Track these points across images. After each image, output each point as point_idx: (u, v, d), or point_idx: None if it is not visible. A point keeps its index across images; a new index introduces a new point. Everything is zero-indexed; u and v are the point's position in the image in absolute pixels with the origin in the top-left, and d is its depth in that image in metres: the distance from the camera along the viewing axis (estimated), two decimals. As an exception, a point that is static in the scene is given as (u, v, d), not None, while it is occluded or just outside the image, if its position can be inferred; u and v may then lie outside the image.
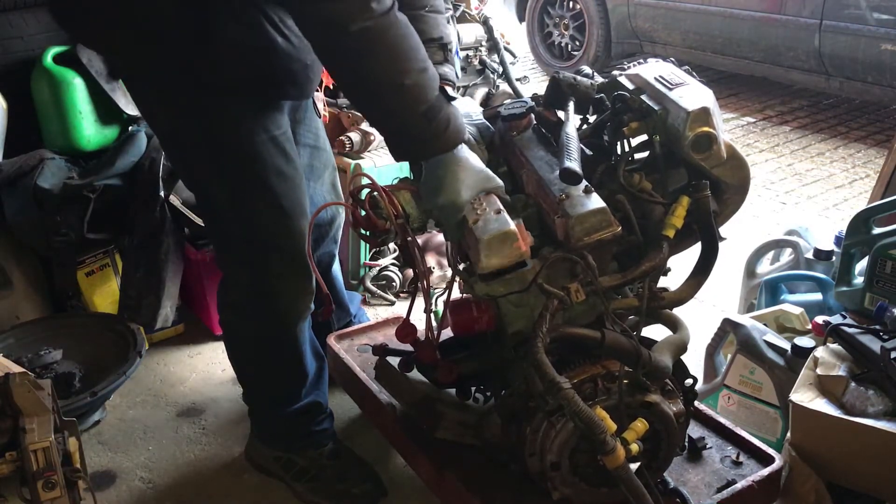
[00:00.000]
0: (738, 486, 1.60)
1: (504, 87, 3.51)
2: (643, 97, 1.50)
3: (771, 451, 1.68)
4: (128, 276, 2.45)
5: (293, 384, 1.92)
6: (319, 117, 2.03)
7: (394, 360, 1.81)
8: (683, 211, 1.46)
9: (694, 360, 2.04)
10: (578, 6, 5.66)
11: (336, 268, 2.22)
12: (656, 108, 1.47)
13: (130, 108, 2.51)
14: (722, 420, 1.78)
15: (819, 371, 1.73)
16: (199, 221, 2.41)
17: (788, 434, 1.74)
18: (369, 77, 1.43)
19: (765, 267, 2.49)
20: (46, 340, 2.25)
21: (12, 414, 1.41)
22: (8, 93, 2.38)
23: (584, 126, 1.62)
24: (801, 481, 1.67)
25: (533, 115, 1.65)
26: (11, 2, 2.46)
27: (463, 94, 3.39)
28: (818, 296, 2.21)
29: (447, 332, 1.66)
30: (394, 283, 2.87)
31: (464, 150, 1.51)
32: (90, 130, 2.48)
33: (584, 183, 1.41)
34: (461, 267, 1.58)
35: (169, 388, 2.41)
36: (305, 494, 1.94)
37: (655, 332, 1.60)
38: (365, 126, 2.69)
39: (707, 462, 1.69)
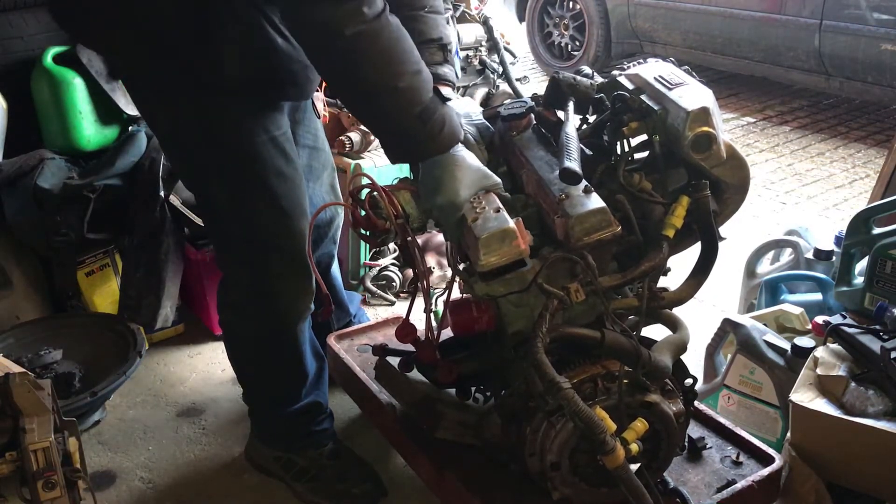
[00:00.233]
0: (738, 486, 1.60)
1: (504, 87, 3.51)
2: (643, 97, 1.50)
3: (771, 451, 1.68)
4: (128, 276, 2.45)
5: (293, 384, 1.92)
6: (319, 118, 2.03)
7: (394, 360, 1.81)
8: (683, 211, 1.46)
9: (694, 360, 2.04)
10: (578, 6, 5.66)
11: (335, 268, 2.22)
12: (656, 108, 1.47)
13: (130, 108, 2.51)
14: (722, 420, 1.78)
15: (819, 371, 1.73)
16: (199, 221, 2.41)
17: (788, 434, 1.74)
18: (363, 81, 1.43)
19: (765, 267, 2.49)
20: (46, 340, 2.25)
21: (12, 414, 1.41)
22: (8, 93, 2.38)
23: (584, 126, 1.62)
24: (801, 481, 1.67)
25: (533, 115, 1.65)
26: (11, 2, 2.46)
27: (463, 94, 3.39)
28: (818, 296, 2.21)
29: (447, 332, 1.66)
30: (394, 283, 2.87)
31: (461, 150, 1.51)
32: (90, 130, 2.48)
33: (584, 183, 1.41)
34: (461, 267, 1.58)
35: (169, 388, 2.41)
36: (305, 494, 1.94)
37: (655, 332, 1.60)
38: (364, 126, 2.69)
39: (707, 462, 1.69)
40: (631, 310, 1.53)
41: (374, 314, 2.73)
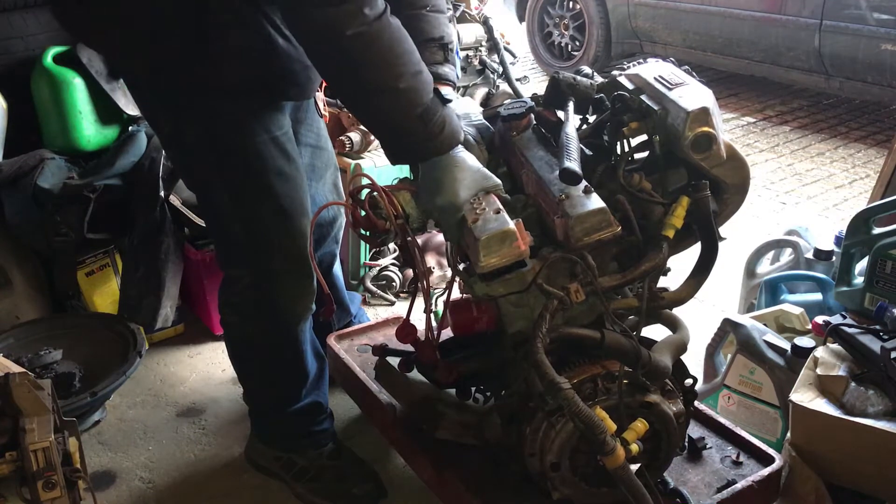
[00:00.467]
0: (738, 486, 1.60)
1: (504, 87, 3.50)
2: (643, 97, 1.50)
3: (771, 451, 1.68)
4: (128, 276, 2.45)
5: (293, 384, 1.91)
6: (321, 117, 2.03)
7: (394, 361, 1.81)
8: (683, 211, 1.46)
9: (694, 360, 2.04)
10: (578, 6, 5.66)
11: (337, 268, 2.22)
12: (656, 108, 1.47)
13: (130, 108, 2.51)
14: (722, 420, 1.78)
15: (819, 371, 1.73)
16: (199, 221, 2.42)
17: (788, 434, 1.74)
18: (364, 81, 1.43)
19: (765, 267, 2.49)
20: (46, 340, 2.25)
21: (12, 414, 1.41)
22: (8, 93, 2.38)
23: (584, 126, 1.62)
24: (801, 481, 1.67)
25: (533, 115, 1.65)
26: (11, 2, 2.46)
27: (463, 94, 3.39)
28: (818, 296, 2.21)
29: (447, 332, 1.66)
30: (394, 283, 2.87)
31: (461, 151, 1.51)
32: (90, 130, 2.48)
33: (584, 183, 1.41)
34: (461, 267, 1.58)
35: (169, 388, 2.41)
36: (305, 495, 1.94)
37: (655, 332, 1.60)
38: (364, 127, 2.69)
39: (707, 462, 1.69)
40: (631, 310, 1.53)
41: (374, 314, 2.73)
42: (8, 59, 2.47)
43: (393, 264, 2.88)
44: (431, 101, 1.45)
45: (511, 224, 1.39)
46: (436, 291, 1.79)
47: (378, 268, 2.86)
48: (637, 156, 1.54)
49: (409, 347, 1.73)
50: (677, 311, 1.61)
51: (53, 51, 2.44)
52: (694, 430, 1.75)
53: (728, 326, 2.05)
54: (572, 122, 1.53)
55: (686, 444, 1.67)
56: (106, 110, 2.51)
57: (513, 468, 1.57)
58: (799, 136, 4.62)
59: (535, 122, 1.66)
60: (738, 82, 5.46)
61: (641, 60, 1.63)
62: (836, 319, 1.80)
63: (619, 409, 1.42)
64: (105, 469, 2.08)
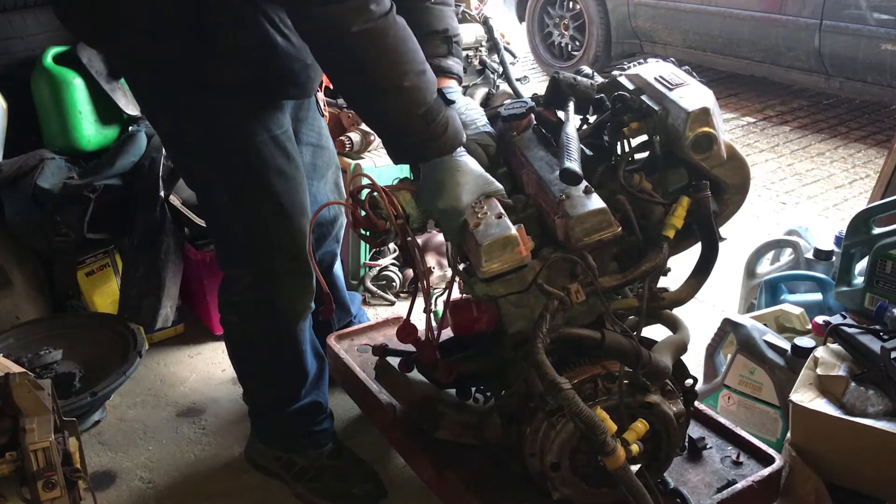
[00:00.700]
0: (738, 486, 1.60)
1: (504, 87, 3.50)
2: (643, 97, 1.50)
3: (771, 451, 1.68)
4: (128, 276, 2.45)
5: (293, 384, 1.91)
6: (322, 116, 2.03)
7: (394, 361, 1.81)
8: (683, 211, 1.46)
9: (694, 360, 2.04)
10: (578, 6, 5.65)
11: (337, 267, 2.22)
12: (656, 108, 1.47)
13: (130, 108, 2.52)
14: (722, 420, 1.78)
15: (819, 371, 1.73)
16: (199, 221, 2.41)
17: (788, 434, 1.74)
18: (368, 78, 1.43)
19: (765, 267, 2.49)
20: (46, 340, 2.25)
21: (12, 414, 1.41)
22: (8, 93, 2.38)
23: (584, 126, 1.62)
24: (801, 481, 1.67)
25: (533, 115, 1.65)
26: (11, 2, 2.46)
27: (463, 94, 3.38)
28: (818, 296, 2.21)
29: (447, 333, 1.66)
30: (394, 283, 2.87)
31: (462, 154, 1.51)
32: (90, 130, 2.48)
33: (584, 183, 1.41)
34: (461, 267, 1.58)
35: (169, 388, 2.41)
36: (305, 495, 1.94)
37: (655, 332, 1.60)
38: (365, 126, 2.69)
39: (707, 462, 1.69)
40: (631, 310, 1.53)
41: (374, 314, 2.73)
42: (8, 59, 2.47)
43: (393, 264, 2.88)
44: (435, 101, 1.45)
45: (513, 230, 1.39)
46: (436, 291, 1.79)
47: (378, 268, 2.86)
48: (637, 156, 1.54)
49: (409, 347, 1.73)
50: (677, 312, 1.61)
51: (53, 51, 2.44)
52: (694, 430, 1.75)
53: (728, 326, 2.05)
54: (572, 122, 1.53)
55: (686, 444, 1.67)
56: (106, 110, 2.51)
57: (513, 468, 1.57)
58: (799, 136, 4.62)
59: (535, 123, 1.66)
60: (738, 82, 5.46)
61: (641, 60, 1.63)
62: (836, 319, 1.80)
63: (620, 409, 1.42)
64: (105, 469, 2.08)
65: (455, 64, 1.68)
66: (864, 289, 2.03)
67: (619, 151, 1.52)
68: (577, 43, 5.76)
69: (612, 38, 5.52)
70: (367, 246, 2.76)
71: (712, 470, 1.67)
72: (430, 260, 2.81)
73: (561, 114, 1.61)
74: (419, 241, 1.57)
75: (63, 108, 2.43)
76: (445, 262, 2.69)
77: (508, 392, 1.58)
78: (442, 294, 1.67)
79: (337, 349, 2.09)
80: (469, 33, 3.45)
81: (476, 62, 3.48)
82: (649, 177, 1.50)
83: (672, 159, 1.49)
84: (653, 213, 1.49)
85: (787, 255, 2.46)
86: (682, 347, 1.58)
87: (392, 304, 2.84)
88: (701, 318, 2.49)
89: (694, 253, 1.55)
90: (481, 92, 3.50)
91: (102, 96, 2.48)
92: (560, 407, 1.37)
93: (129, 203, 2.43)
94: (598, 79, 1.65)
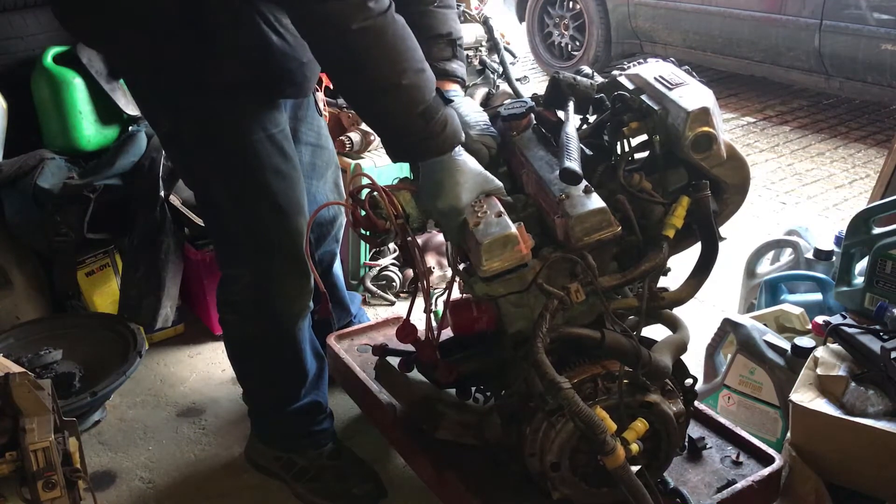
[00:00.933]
0: (738, 486, 1.60)
1: (504, 87, 3.50)
2: (643, 97, 1.50)
3: (771, 451, 1.68)
4: (128, 276, 2.45)
5: (293, 384, 1.91)
6: (321, 116, 2.03)
7: (394, 361, 1.81)
8: (683, 211, 1.46)
9: (694, 360, 2.04)
10: (578, 6, 5.66)
11: (337, 267, 2.22)
12: (656, 108, 1.47)
13: (130, 108, 2.51)
14: (722, 420, 1.78)
15: (819, 371, 1.73)
16: (199, 221, 2.41)
17: (788, 434, 1.74)
18: (367, 77, 1.43)
19: (765, 267, 2.49)
20: (46, 340, 2.25)
21: (12, 414, 1.41)
22: (8, 93, 2.38)
23: (584, 126, 1.62)
24: (801, 481, 1.67)
25: (533, 115, 1.65)
26: (11, 2, 2.46)
27: (463, 94, 3.38)
28: (818, 296, 2.21)
29: (447, 332, 1.66)
30: (394, 283, 2.87)
31: (462, 153, 1.50)
32: (90, 130, 2.48)
33: (584, 183, 1.41)
34: (461, 267, 1.58)
35: (169, 388, 2.41)
36: (305, 495, 1.94)
37: (655, 332, 1.60)
38: (365, 126, 2.69)
39: (707, 462, 1.69)
40: (631, 310, 1.53)
41: (374, 314, 2.73)
42: (8, 59, 2.47)
43: (393, 264, 2.88)
44: (434, 99, 1.45)
45: (513, 228, 1.39)
46: (436, 291, 1.79)
47: (378, 268, 2.86)
48: (637, 156, 1.54)
49: (409, 347, 1.73)
50: (677, 311, 1.61)
51: (53, 51, 2.44)
52: (694, 430, 1.75)
53: (728, 326, 2.05)
54: (572, 121, 1.53)
55: (686, 444, 1.67)
56: (106, 110, 2.51)
57: (513, 468, 1.57)
58: (799, 136, 4.62)
59: (535, 122, 1.66)
60: (738, 82, 5.46)
61: (641, 60, 1.63)
62: (836, 319, 1.80)
63: (620, 408, 1.42)
64: (105, 469, 2.08)
65: (459, 67, 1.68)
66: (864, 289, 2.03)
67: (618, 151, 1.52)
68: (577, 43, 5.76)
69: (612, 38, 5.52)
70: (367, 246, 2.76)
71: (712, 470, 1.67)
72: (430, 260, 2.81)
73: (561, 114, 1.61)
74: (419, 241, 1.57)
75: (63, 108, 2.43)
76: (445, 262, 2.69)
77: (508, 392, 1.58)
78: (442, 294, 1.67)
79: (337, 349, 2.09)
80: (469, 33, 3.45)
81: (476, 62, 3.48)
82: (649, 176, 1.50)
83: (672, 159, 1.49)
84: (653, 212, 1.49)
85: (787, 255, 2.46)
86: (682, 347, 1.58)
87: (392, 304, 2.84)
88: (701, 318, 2.49)
89: (694, 253, 1.55)
90: (481, 92, 3.50)
91: (102, 96, 2.48)
92: (560, 406, 1.37)
93: (129, 203, 2.43)
94: (598, 79, 1.65)
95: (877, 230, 2.06)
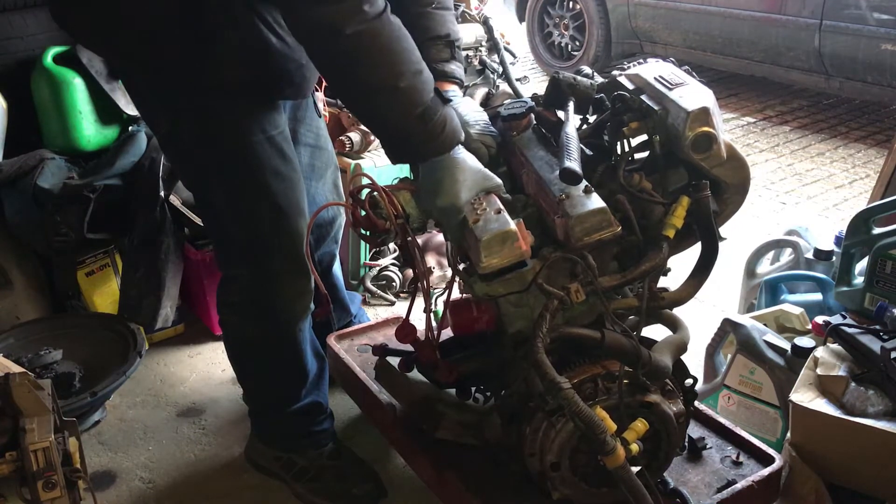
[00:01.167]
0: (738, 486, 1.60)
1: (504, 87, 3.49)
2: (643, 97, 1.50)
3: (771, 451, 1.68)
4: (128, 276, 2.45)
5: (293, 384, 1.91)
6: (320, 117, 2.03)
7: (394, 361, 1.81)
8: (683, 211, 1.46)
9: (694, 360, 2.04)
10: (578, 6, 5.66)
11: (337, 267, 2.22)
12: (656, 108, 1.47)
13: (130, 108, 2.51)
14: (722, 420, 1.78)
15: (819, 371, 1.73)
16: (199, 221, 2.41)
17: (788, 434, 1.74)
18: (364, 80, 1.43)
19: (765, 267, 2.49)
20: (46, 340, 2.25)
21: (12, 414, 1.41)
22: (8, 93, 2.38)
23: (584, 126, 1.62)
24: (801, 481, 1.67)
25: (533, 115, 1.65)
26: (11, 2, 2.46)
27: (463, 95, 3.38)
28: (818, 296, 2.21)
29: (447, 332, 1.66)
30: (394, 283, 2.87)
31: (461, 151, 1.51)
32: (90, 130, 2.48)
33: (584, 183, 1.41)
34: (461, 267, 1.58)
35: (169, 388, 2.41)
36: (305, 495, 1.94)
37: (655, 332, 1.60)
38: (364, 126, 2.69)
39: (707, 462, 1.69)
40: (631, 310, 1.53)
41: (374, 314, 2.73)
42: (8, 59, 2.47)
43: (393, 264, 2.88)
44: (432, 100, 1.45)
45: (512, 224, 1.39)
46: (436, 291, 1.79)
47: (378, 268, 2.86)
48: (637, 156, 1.54)
49: (409, 347, 1.73)
50: (677, 311, 1.61)
51: (53, 51, 2.44)
52: (694, 430, 1.75)
53: (728, 326, 2.05)
54: (572, 121, 1.53)
55: (686, 444, 1.67)
56: (106, 110, 2.51)
57: (513, 468, 1.57)
58: (799, 136, 4.62)
59: (535, 122, 1.66)
60: (738, 82, 5.46)
61: (641, 60, 1.63)
62: (836, 319, 1.80)
63: (620, 408, 1.42)
64: (105, 469, 2.08)
65: (457, 68, 1.68)
66: (864, 289, 2.03)
67: (618, 151, 1.52)
68: (577, 43, 5.76)
69: (612, 38, 5.52)
70: (367, 246, 2.76)
71: (712, 470, 1.67)
72: (430, 260, 2.81)
73: (561, 114, 1.61)
74: (419, 241, 1.57)
75: (63, 108, 2.43)
76: (445, 262, 2.69)
77: (508, 392, 1.58)
78: (442, 294, 1.67)
79: (337, 349, 2.09)
80: (469, 33, 3.45)
81: (476, 62, 3.48)
82: (649, 176, 1.50)
83: (672, 159, 1.49)
84: (653, 212, 1.49)
85: (787, 255, 2.46)
86: (682, 347, 1.58)
87: (392, 304, 2.84)
88: (701, 318, 2.49)
89: (694, 253, 1.55)
90: (481, 92, 3.50)
91: (102, 96, 2.48)
92: (560, 406, 1.37)
93: (129, 203, 2.43)
94: (598, 79, 1.65)
95: (877, 230, 2.06)
